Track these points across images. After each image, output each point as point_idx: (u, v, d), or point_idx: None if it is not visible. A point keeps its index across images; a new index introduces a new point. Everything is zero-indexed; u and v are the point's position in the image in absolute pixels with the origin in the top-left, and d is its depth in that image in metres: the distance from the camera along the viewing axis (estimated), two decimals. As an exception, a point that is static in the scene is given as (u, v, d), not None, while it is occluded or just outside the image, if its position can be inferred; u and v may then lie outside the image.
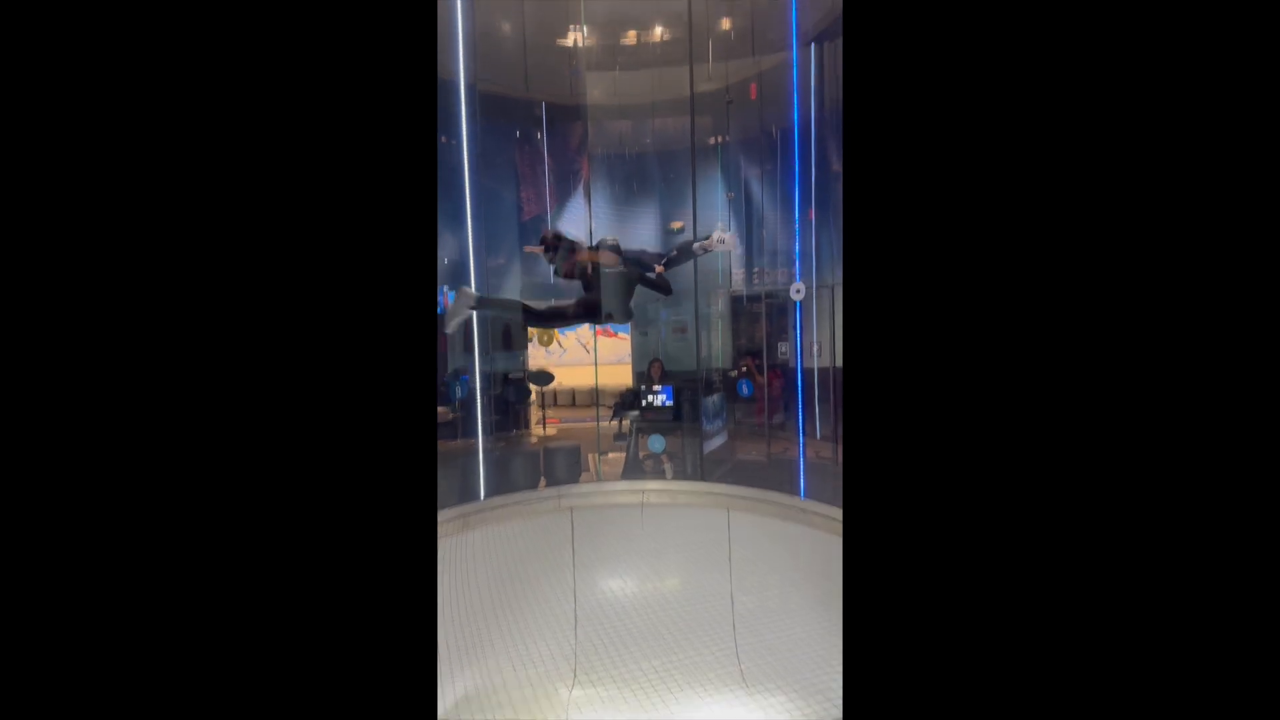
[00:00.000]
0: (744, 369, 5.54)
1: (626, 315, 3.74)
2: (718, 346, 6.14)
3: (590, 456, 5.54)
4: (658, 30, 5.74)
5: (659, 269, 3.56)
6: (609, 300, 3.57)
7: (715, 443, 5.39)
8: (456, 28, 4.34)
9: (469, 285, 5.27)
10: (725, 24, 5.40)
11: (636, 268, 3.57)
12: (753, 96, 4.48)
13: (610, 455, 5.58)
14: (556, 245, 3.66)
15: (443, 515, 4.47)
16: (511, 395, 6.70)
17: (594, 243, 3.73)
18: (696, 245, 3.55)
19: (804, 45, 4.24)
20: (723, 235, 3.38)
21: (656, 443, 4.87)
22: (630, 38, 5.79)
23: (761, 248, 6.00)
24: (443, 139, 5.41)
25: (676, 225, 7.20)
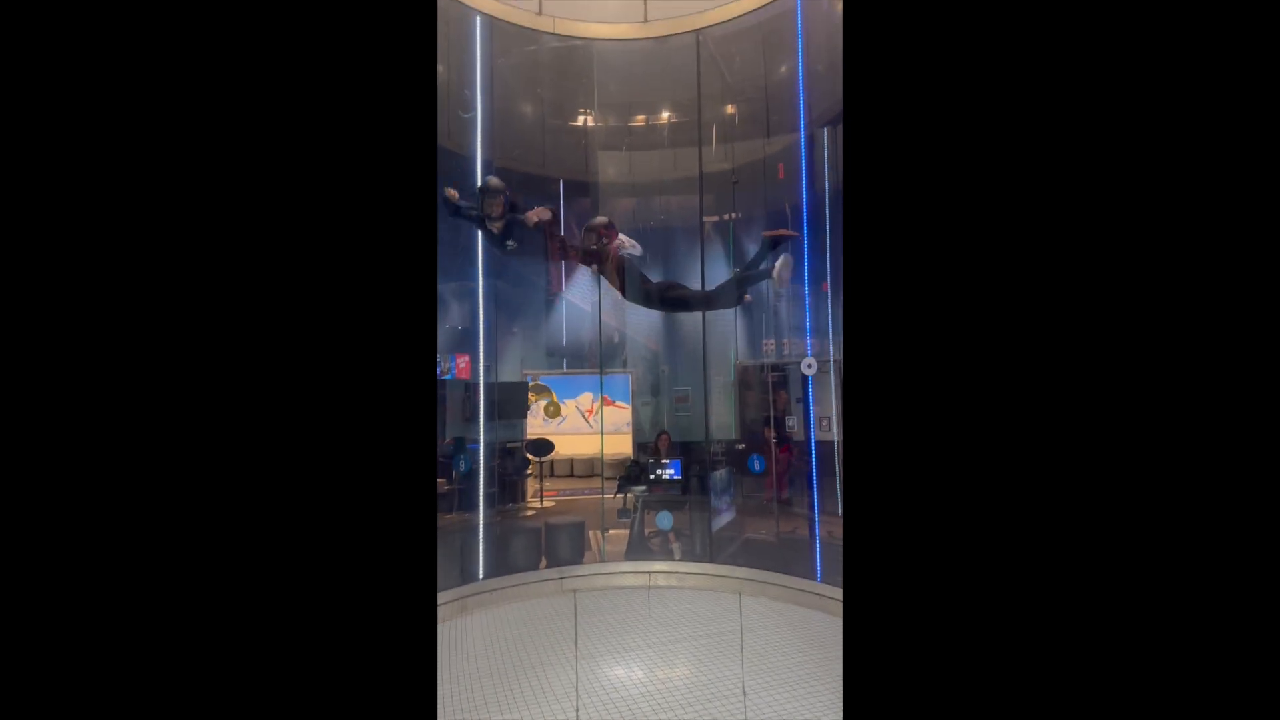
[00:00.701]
0: (773, 437, 5.41)
1: (631, 295, 3.43)
2: (725, 418, 6.04)
3: (593, 534, 5.32)
4: (665, 114, 6.01)
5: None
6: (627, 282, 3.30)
7: (724, 520, 5.20)
8: (477, 107, 4.52)
9: (479, 352, 5.22)
10: (730, 109, 5.65)
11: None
12: (780, 176, 4.63)
13: (613, 532, 5.36)
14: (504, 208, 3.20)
15: (440, 598, 4.22)
16: (510, 467, 6.52)
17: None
18: (764, 266, 3.36)
19: (817, 127, 4.43)
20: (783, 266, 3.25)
21: (664, 520, 4.68)
22: (640, 120, 6.04)
23: (770, 319, 6.03)
24: (462, 203, 5.53)
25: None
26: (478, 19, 4.36)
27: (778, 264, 3.13)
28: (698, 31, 4.52)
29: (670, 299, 3.26)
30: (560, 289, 7.23)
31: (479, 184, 3.22)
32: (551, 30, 4.54)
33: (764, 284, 6.26)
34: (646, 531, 5.09)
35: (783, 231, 3.15)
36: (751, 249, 6.56)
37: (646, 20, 4.58)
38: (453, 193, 3.27)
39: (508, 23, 4.41)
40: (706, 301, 3.40)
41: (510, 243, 3.33)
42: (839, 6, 4.03)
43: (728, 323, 6.15)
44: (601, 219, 3.16)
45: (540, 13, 4.48)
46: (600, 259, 3.11)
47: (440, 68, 4.58)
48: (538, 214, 3.17)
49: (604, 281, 6.74)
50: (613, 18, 4.60)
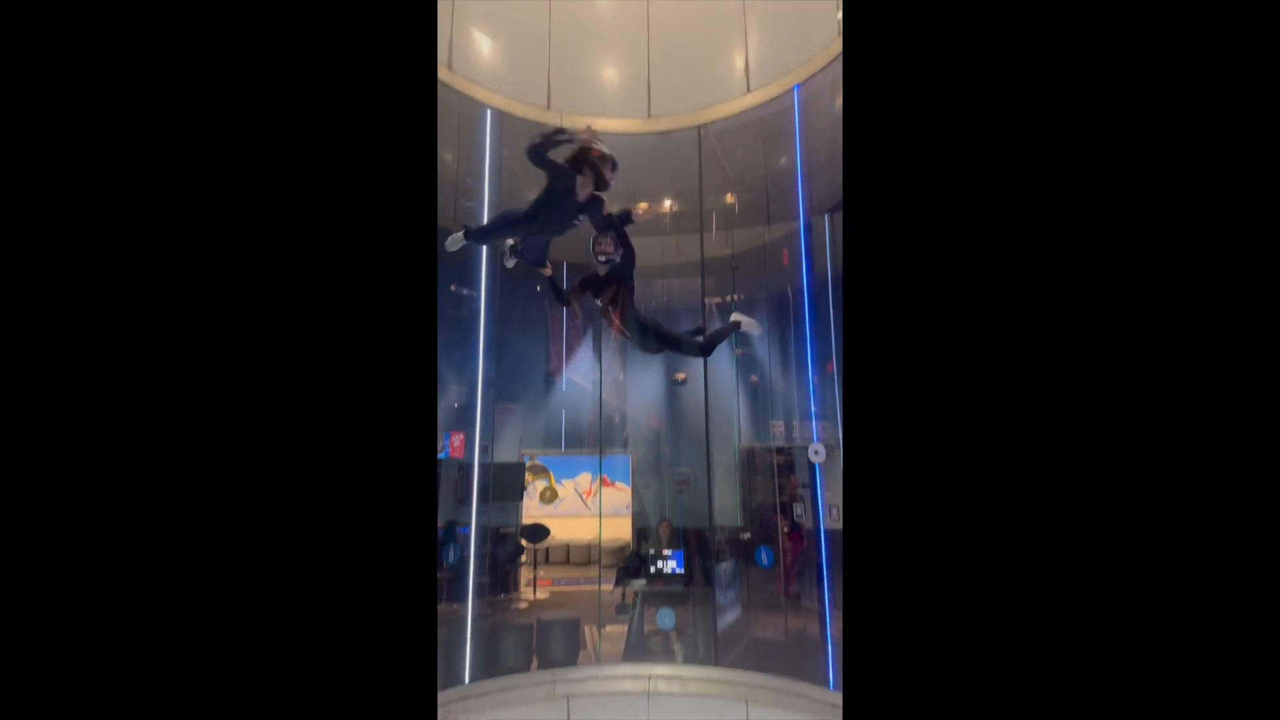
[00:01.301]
0: (783, 525, 5.16)
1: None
2: (730, 502, 5.80)
3: (588, 630, 4.96)
4: (666, 203, 6.19)
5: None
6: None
7: (729, 617, 4.86)
8: (483, 193, 4.64)
9: (475, 431, 5.08)
10: (730, 198, 5.82)
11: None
12: (785, 262, 4.70)
13: (611, 629, 5.00)
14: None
15: (418, 704, 3.85)
16: (502, 554, 6.20)
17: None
18: (733, 319, 3.21)
19: (817, 214, 4.52)
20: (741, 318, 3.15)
21: (665, 619, 4.37)
22: (642, 208, 6.20)
23: (773, 401, 5.94)
24: (465, 291, 5.57)
25: (680, 377, 7.24)
26: (488, 113, 4.56)
27: (747, 324, 3.09)
28: (700, 126, 4.72)
29: (664, 338, 3.14)
30: (561, 366, 7.19)
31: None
32: (559, 124, 4.75)
33: (768, 365, 6.24)
34: (646, 630, 4.75)
35: (720, 330, 3.22)
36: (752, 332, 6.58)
37: (650, 115, 4.79)
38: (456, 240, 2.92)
39: (516, 116, 4.61)
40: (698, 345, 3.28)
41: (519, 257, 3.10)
42: (838, 101, 4.22)
43: (730, 402, 6.05)
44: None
45: (549, 107, 4.70)
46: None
47: (448, 156, 4.75)
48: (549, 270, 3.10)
49: (605, 360, 6.69)
50: (618, 112, 4.81)
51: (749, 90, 4.58)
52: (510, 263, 3.21)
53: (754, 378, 5.55)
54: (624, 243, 2.91)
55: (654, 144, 4.90)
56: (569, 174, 2.65)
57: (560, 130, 2.63)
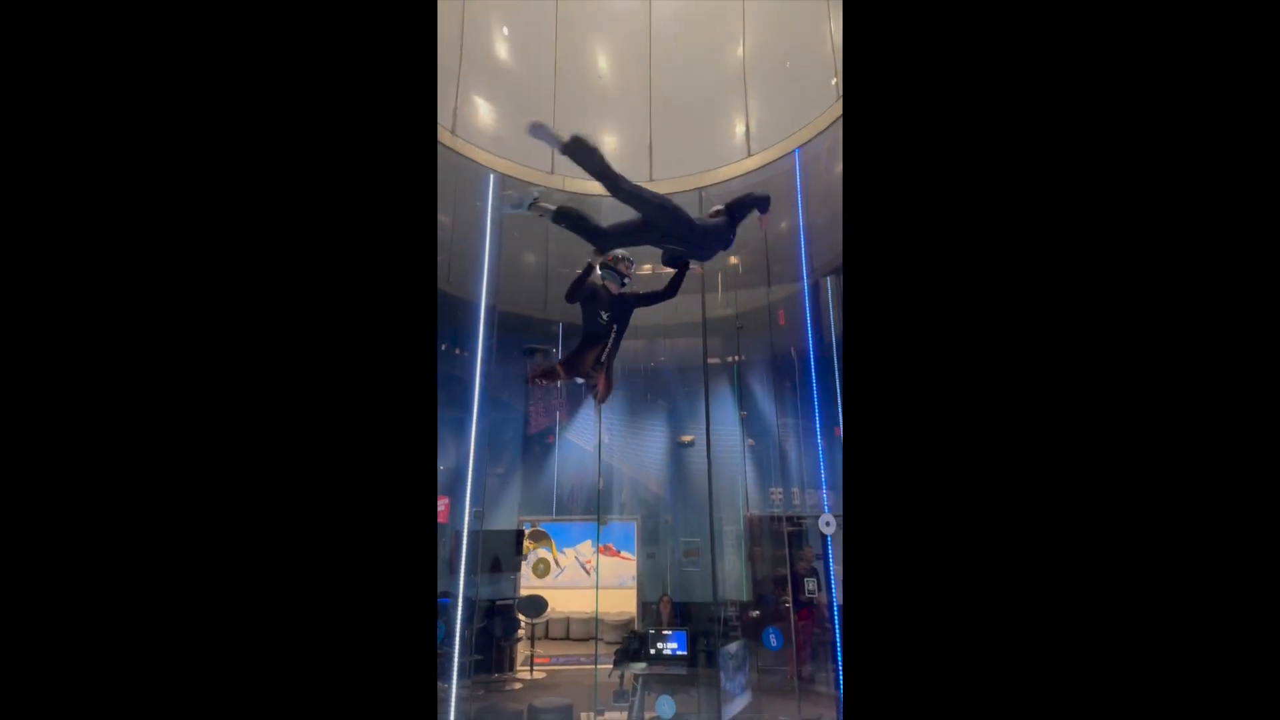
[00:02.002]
0: (789, 603, 4.82)
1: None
2: (735, 574, 5.47)
3: (584, 718, 4.55)
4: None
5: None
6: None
7: (737, 705, 4.46)
8: (484, 257, 4.61)
9: (468, 496, 4.85)
10: (733, 260, 5.79)
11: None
12: (781, 323, 4.60)
13: (609, 715, 4.58)
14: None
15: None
16: (498, 629, 5.81)
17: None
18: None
19: (820, 276, 4.45)
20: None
21: (666, 707, 4.00)
22: (647, 270, 6.20)
23: (782, 466, 5.70)
24: (456, 350, 5.48)
25: (686, 439, 7.01)
26: (491, 176, 4.60)
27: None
28: (700, 189, 4.74)
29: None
30: (541, 426, 6.97)
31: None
32: (561, 188, 4.78)
33: (773, 427, 6.03)
34: (646, 718, 4.34)
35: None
36: (758, 391, 6.43)
37: (652, 178, 4.82)
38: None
39: (519, 180, 4.65)
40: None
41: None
42: (838, 165, 4.23)
43: (736, 467, 5.82)
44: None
45: (552, 171, 4.74)
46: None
47: (446, 219, 4.77)
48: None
49: (606, 419, 6.49)
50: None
51: (749, 154, 4.62)
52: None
53: (743, 413, 5.34)
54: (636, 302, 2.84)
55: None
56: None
57: (535, 190, 2.67)
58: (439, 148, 4.31)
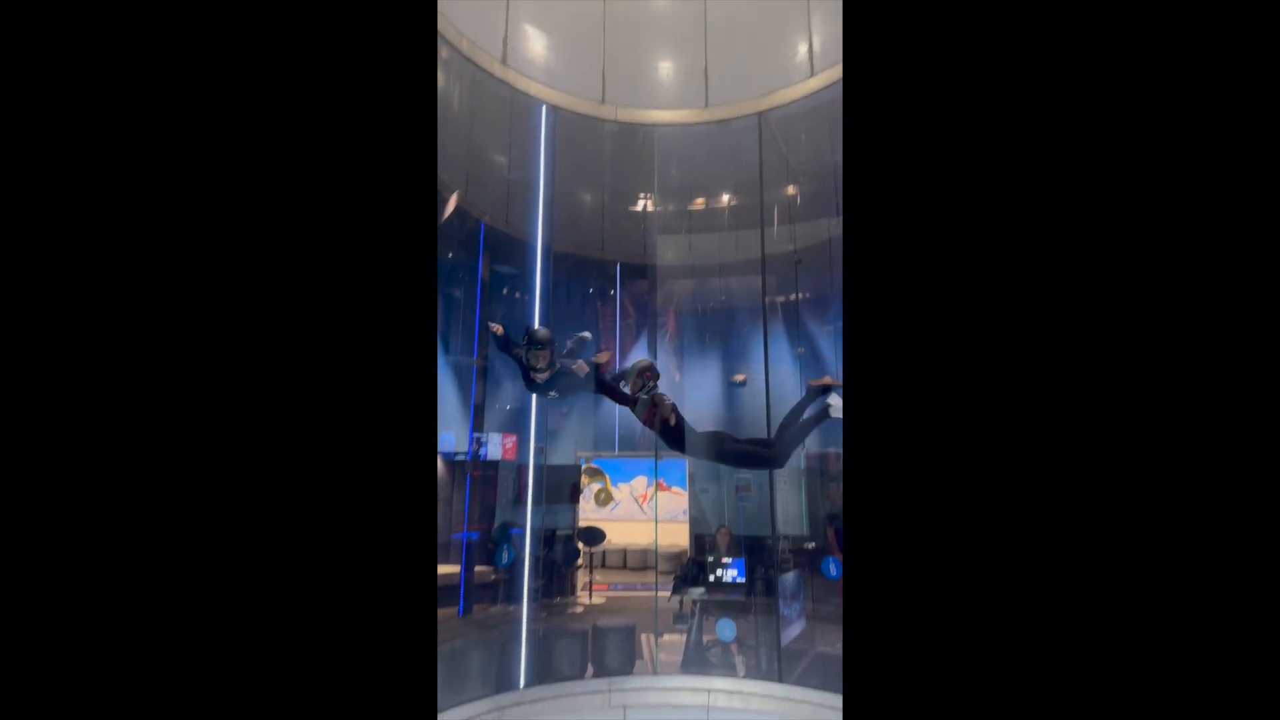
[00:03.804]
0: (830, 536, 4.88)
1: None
2: (793, 510, 5.52)
3: (645, 638, 4.80)
4: (725, 197, 5.99)
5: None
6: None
7: (793, 630, 4.60)
8: (539, 196, 4.58)
9: (532, 432, 5.03)
10: (791, 190, 5.56)
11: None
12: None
13: (668, 637, 4.82)
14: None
15: (476, 707, 3.81)
16: (559, 557, 6.13)
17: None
18: (812, 413, 2.86)
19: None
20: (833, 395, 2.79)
21: (726, 630, 4.16)
22: (699, 204, 6.04)
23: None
24: (517, 295, 5.55)
25: (739, 379, 6.99)
26: (543, 108, 4.51)
27: (831, 402, 2.76)
28: (760, 114, 4.51)
29: (730, 452, 2.85)
30: (614, 368, 7.08)
31: (525, 331, 3.04)
32: (614, 118, 4.64)
33: (830, 364, 5.91)
34: (705, 640, 4.55)
35: (827, 380, 2.87)
36: (816, 331, 6.28)
37: (708, 105, 4.62)
38: (497, 328, 3.12)
39: (571, 111, 4.54)
40: (767, 457, 2.93)
41: (553, 393, 3.16)
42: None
43: (792, 404, 5.77)
44: (644, 361, 2.90)
45: (604, 101, 4.60)
46: (650, 408, 2.74)
47: (501, 157, 4.73)
48: (589, 365, 2.90)
49: (661, 360, 6.53)
50: (674, 103, 4.67)
51: (813, 74, 4.33)
52: (553, 395, 3.19)
53: (800, 350, 5.21)
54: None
55: (712, 134, 4.73)
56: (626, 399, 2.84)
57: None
58: (489, 78, 4.23)
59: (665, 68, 4.84)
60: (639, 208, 5.88)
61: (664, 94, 4.72)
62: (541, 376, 2.91)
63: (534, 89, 4.43)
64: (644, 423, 2.80)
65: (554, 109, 4.52)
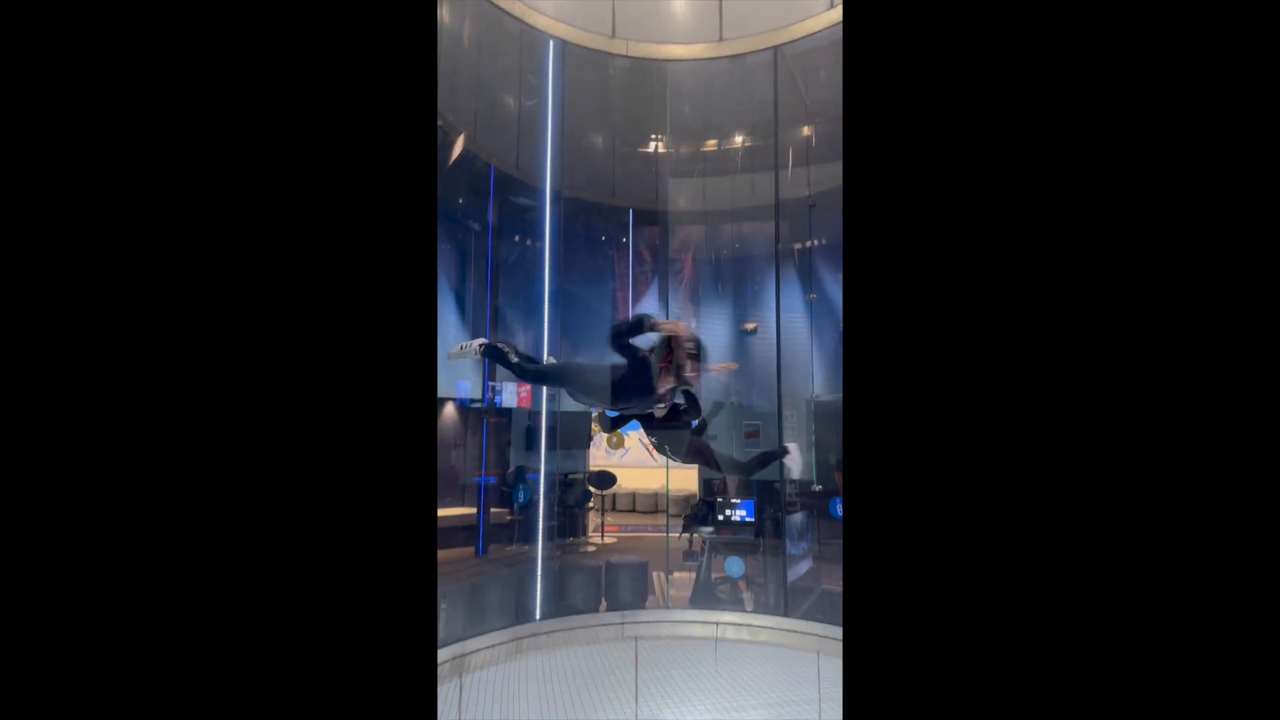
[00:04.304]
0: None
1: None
2: (802, 457, 5.61)
3: (656, 576, 4.99)
4: (739, 138, 5.83)
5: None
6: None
7: (800, 569, 4.75)
8: (547, 139, 4.48)
9: (543, 386, 5.10)
10: (807, 131, 5.40)
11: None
12: None
13: (679, 575, 5.01)
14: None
15: (495, 637, 4.02)
16: (571, 499, 6.31)
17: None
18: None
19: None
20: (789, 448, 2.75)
21: (735, 566, 4.31)
22: (712, 145, 5.89)
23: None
24: (528, 242, 5.51)
25: (749, 326, 6.97)
26: (550, 43, 4.35)
27: (790, 456, 2.74)
28: (776, 48, 4.33)
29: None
30: (628, 315, 7.08)
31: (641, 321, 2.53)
32: (624, 53, 4.48)
33: (835, 295, 5.86)
34: (714, 577, 4.72)
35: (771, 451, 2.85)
36: (828, 278, 6.21)
37: (721, 39, 4.44)
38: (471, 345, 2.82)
39: (580, 46, 4.38)
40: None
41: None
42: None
43: (804, 353, 5.78)
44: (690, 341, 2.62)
45: (614, 35, 4.43)
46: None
47: (509, 98, 4.60)
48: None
49: (672, 308, 6.52)
50: (687, 38, 4.48)
51: (832, 4, 4.13)
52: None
53: (812, 296, 5.17)
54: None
55: (726, 71, 4.56)
56: (645, 368, 2.44)
57: (645, 317, 2.40)
58: (497, 11, 4.07)
59: (677, 2, 4.63)
60: (650, 149, 5.74)
61: (676, 28, 4.53)
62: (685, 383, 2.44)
63: (542, 23, 4.27)
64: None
65: (563, 43, 4.36)
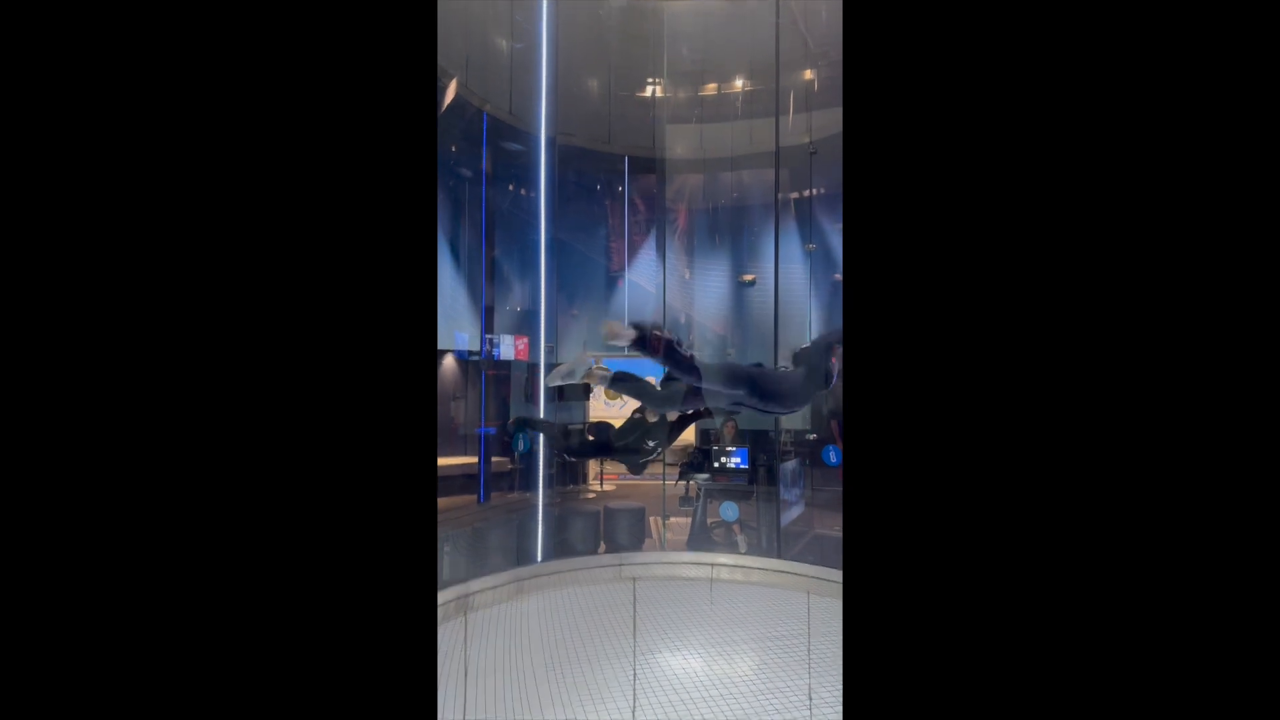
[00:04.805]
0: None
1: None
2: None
3: (653, 520, 5.15)
4: (738, 82, 5.67)
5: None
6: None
7: (793, 514, 4.91)
8: (540, 83, 4.35)
9: (541, 334, 5.14)
10: (808, 75, 5.25)
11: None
12: None
13: (675, 520, 5.17)
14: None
15: (498, 578, 4.18)
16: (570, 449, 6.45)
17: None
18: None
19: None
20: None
21: (729, 511, 4.45)
22: (711, 89, 5.73)
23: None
24: (522, 191, 5.42)
25: (747, 278, 6.95)
26: (544, -16, 4.18)
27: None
28: (780, -14, 4.17)
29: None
30: (623, 268, 7.04)
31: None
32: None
33: (835, 246, 5.80)
34: (709, 521, 4.88)
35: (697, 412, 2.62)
36: (829, 228, 6.15)
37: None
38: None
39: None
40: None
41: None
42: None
43: (802, 305, 5.79)
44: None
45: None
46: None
47: (502, 41, 4.45)
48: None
49: (669, 259, 6.46)
50: (685, -25, 4.31)
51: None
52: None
53: (811, 246, 5.16)
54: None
55: (725, 11, 4.40)
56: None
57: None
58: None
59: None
60: (647, 94, 5.59)
61: (674, -37, 4.34)
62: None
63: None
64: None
65: (556, -16, 4.19)
